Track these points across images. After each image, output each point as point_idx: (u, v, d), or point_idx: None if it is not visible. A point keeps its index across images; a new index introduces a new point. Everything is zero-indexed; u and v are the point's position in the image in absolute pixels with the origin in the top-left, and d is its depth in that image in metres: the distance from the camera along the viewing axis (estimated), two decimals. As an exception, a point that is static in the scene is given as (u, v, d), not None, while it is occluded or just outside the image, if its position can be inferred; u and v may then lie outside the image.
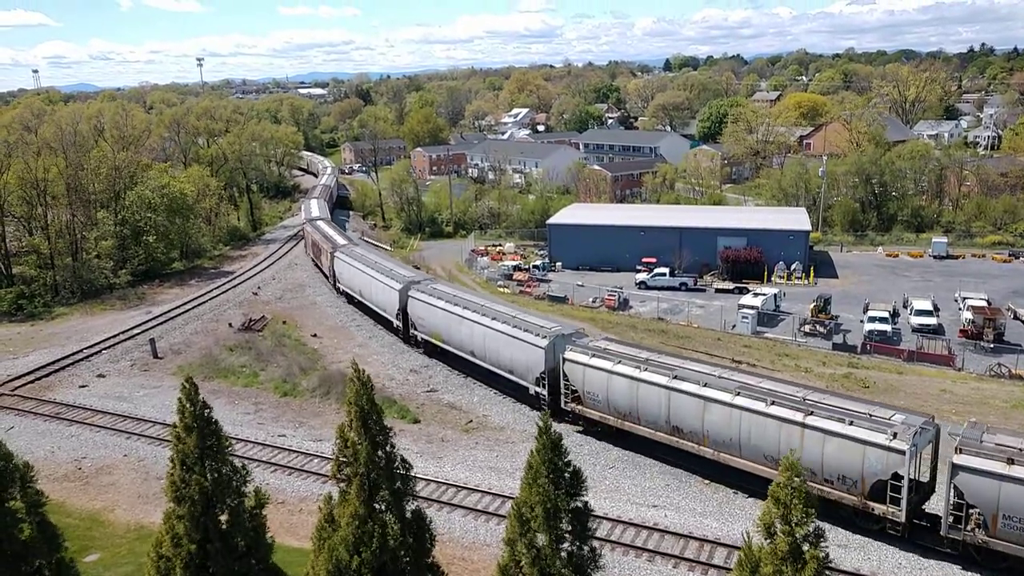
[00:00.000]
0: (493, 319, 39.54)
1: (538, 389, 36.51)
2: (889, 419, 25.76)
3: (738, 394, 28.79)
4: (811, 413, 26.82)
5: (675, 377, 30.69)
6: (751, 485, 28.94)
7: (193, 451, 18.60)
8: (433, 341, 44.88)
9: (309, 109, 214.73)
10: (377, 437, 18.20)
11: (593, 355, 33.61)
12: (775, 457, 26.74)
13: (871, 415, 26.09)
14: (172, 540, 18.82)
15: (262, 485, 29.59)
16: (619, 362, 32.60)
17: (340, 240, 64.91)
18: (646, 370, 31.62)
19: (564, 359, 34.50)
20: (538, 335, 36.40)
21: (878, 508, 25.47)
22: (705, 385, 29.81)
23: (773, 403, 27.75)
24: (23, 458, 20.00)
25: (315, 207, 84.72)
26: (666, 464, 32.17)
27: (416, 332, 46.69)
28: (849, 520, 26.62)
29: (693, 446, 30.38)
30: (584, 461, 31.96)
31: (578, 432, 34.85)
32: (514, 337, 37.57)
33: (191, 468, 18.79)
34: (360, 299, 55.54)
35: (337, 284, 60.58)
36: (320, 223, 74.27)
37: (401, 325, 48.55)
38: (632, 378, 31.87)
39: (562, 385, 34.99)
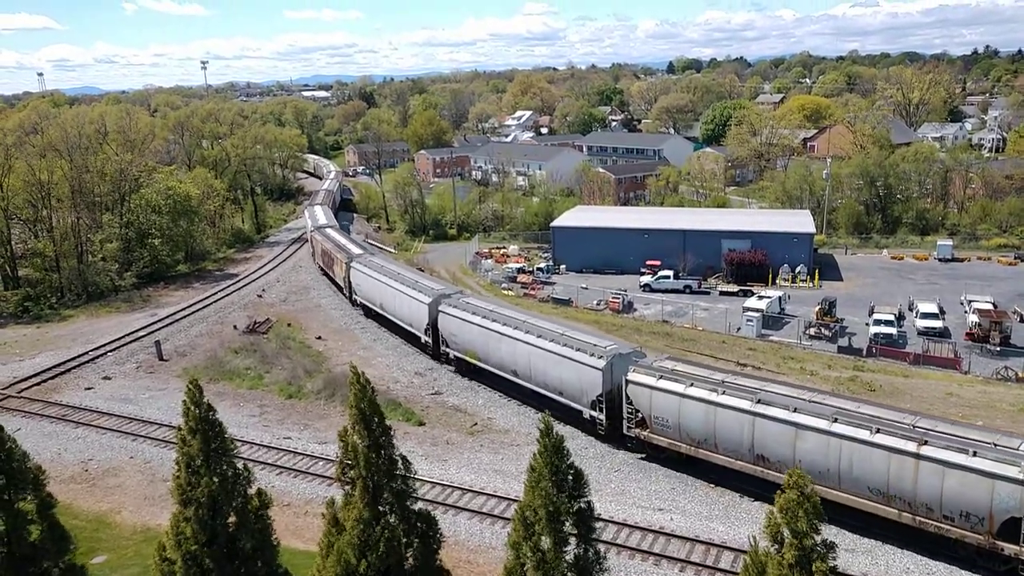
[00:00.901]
0: (539, 336, 36.80)
1: (594, 413, 33.78)
2: (1018, 448, 23.63)
3: (836, 420, 26.42)
4: (926, 442, 24.62)
5: (759, 401, 28.28)
6: (852, 520, 26.59)
7: (198, 454, 18.64)
8: (467, 359, 42.08)
9: (313, 112, 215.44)
10: (379, 439, 18.24)
11: (661, 377, 31.12)
12: (882, 490, 25.26)
13: (995, 444, 23.96)
14: (178, 542, 18.85)
15: (268, 487, 29.69)
16: (692, 384, 30.18)
17: (355, 249, 61.93)
18: (724, 393, 29.21)
19: (627, 381, 32.10)
20: (593, 355, 33.67)
21: (1009, 548, 23.34)
22: (795, 410, 27.38)
23: (879, 431, 25.54)
24: (37, 464, 20.07)
25: (321, 214, 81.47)
26: (671, 468, 32.13)
27: (448, 349, 43.62)
28: (969, 560, 24.53)
29: (781, 476, 27.88)
30: (589, 464, 31.94)
31: (640, 459, 32.57)
32: (566, 357, 34.80)
33: (197, 471, 18.83)
34: (380, 312, 52.48)
35: (353, 296, 57.50)
36: (330, 231, 71.41)
37: (430, 341, 45.48)
38: (709, 402, 29.39)
39: (624, 409, 32.54)
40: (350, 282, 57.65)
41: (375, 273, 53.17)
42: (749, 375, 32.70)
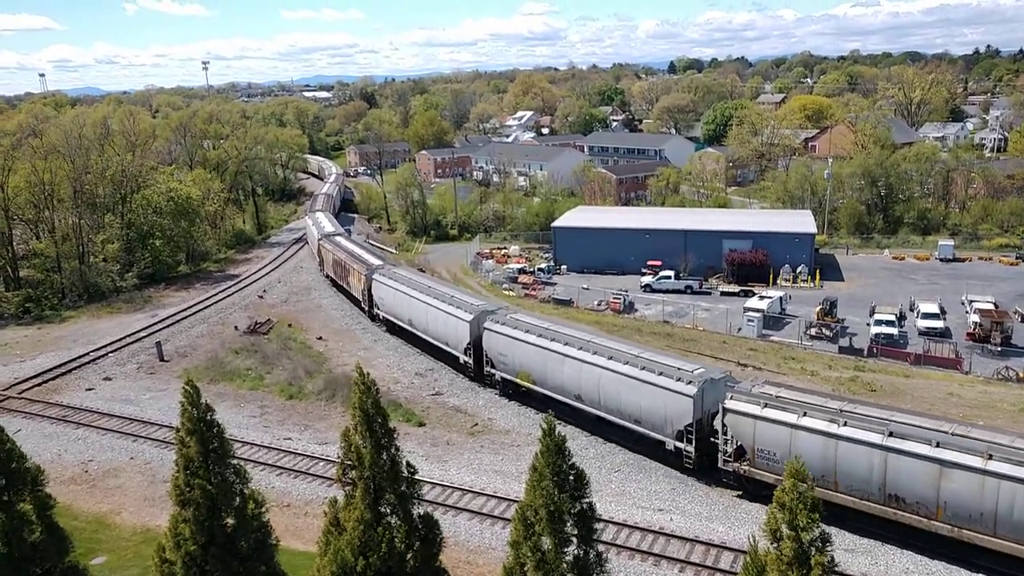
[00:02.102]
0: (611, 358, 33.45)
1: (680, 444, 30.76)
2: None
3: (991, 457, 23.70)
4: None
5: (892, 434, 25.49)
6: (1009, 569, 24.24)
7: (196, 455, 18.64)
8: (518, 382, 38.51)
9: (314, 112, 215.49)
10: (382, 440, 18.23)
11: (766, 405, 28.07)
12: None
13: None
14: (177, 544, 18.86)
15: (268, 488, 29.81)
16: (805, 414, 27.13)
17: (373, 260, 57.51)
18: (847, 424, 26.31)
19: (725, 409, 29.05)
20: (680, 379, 30.70)
21: None
22: (938, 445, 24.61)
23: None
24: (36, 464, 20.10)
25: (327, 221, 77.02)
26: (672, 468, 32.11)
27: (493, 370, 40.04)
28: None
29: (920, 520, 25.06)
30: (590, 464, 31.90)
31: (737, 497, 29.65)
32: (646, 382, 31.54)
33: (195, 472, 18.83)
34: (410, 329, 48.37)
35: (375, 311, 53.16)
36: (341, 240, 67.48)
37: (471, 362, 41.71)
38: (828, 434, 26.35)
39: (721, 441, 29.63)
40: (371, 296, 53.37)
41: (402, 287, 49.01)
42: (869, 403, 29.36)
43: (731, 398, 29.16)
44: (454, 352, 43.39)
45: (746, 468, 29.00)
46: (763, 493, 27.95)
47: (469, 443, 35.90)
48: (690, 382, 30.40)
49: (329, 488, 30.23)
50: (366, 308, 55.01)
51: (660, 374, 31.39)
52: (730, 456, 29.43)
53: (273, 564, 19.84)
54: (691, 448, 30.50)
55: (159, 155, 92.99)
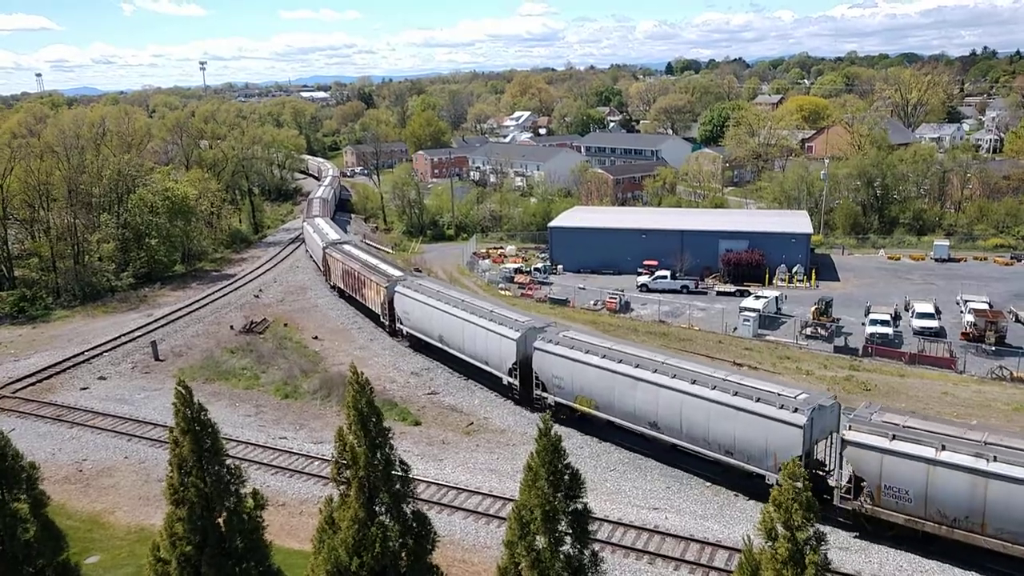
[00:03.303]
0: (694, 382, 30.47)
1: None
2: None
3: None
4: None
5: None
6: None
7: (190, 455, 18.61)
8: (577, 407, 35.11)
9: (311, 112, 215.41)
10: (376, 440, 18.22)
11: (895, 437, 25.27)
12: None
13: None
14: (171, 543, 18.82)
15: (263, 487, 29.66)
16: (944, 447, 24.50)
17: (392, 271, 53.88)
18: (997, 460, 23.61)
19: (845, 441, 26.11)
20: (784, 407, 27.59)
21: None
22: None
23: None
24: (30, 460, 20.06)
25: (328, 227, 73.29)
26: (667, 467, 32.13)
27: (545, 394, 36.50)
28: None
29: None
30: (585, 463, 31.94)
31: (855, 538, 26.69)
32: (741, 410, 28.59)
33: (189, 472, 18.80)
34: (440, 347, 44.72)
35: (398, 326, 49.20)
36: (349, 248, 63.19)
37: (516, 383, 38.27)
38: (976, 471, 23.84)
39: (837, 477, 27.14)
40: (393, 310, 49.45)
41: (431, 300, 45.07)
42: (1013, 434, 26.73)
43: (851, 428, 26.27)
44: (495, 372, 39.74)
45: (869, 507, 25.93)
46: (887, 534, 25.96)
47: (465, 442, 35.89)
48: (796, 410, 27.29)
49: (324, 487, 30.21)
50: (387, 323, 51.13)
51: (758, 400, 28.34)
52: (847, 493, 26.48)
53: (267, 564, 19.82)
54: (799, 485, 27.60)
55: (155, 155, 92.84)
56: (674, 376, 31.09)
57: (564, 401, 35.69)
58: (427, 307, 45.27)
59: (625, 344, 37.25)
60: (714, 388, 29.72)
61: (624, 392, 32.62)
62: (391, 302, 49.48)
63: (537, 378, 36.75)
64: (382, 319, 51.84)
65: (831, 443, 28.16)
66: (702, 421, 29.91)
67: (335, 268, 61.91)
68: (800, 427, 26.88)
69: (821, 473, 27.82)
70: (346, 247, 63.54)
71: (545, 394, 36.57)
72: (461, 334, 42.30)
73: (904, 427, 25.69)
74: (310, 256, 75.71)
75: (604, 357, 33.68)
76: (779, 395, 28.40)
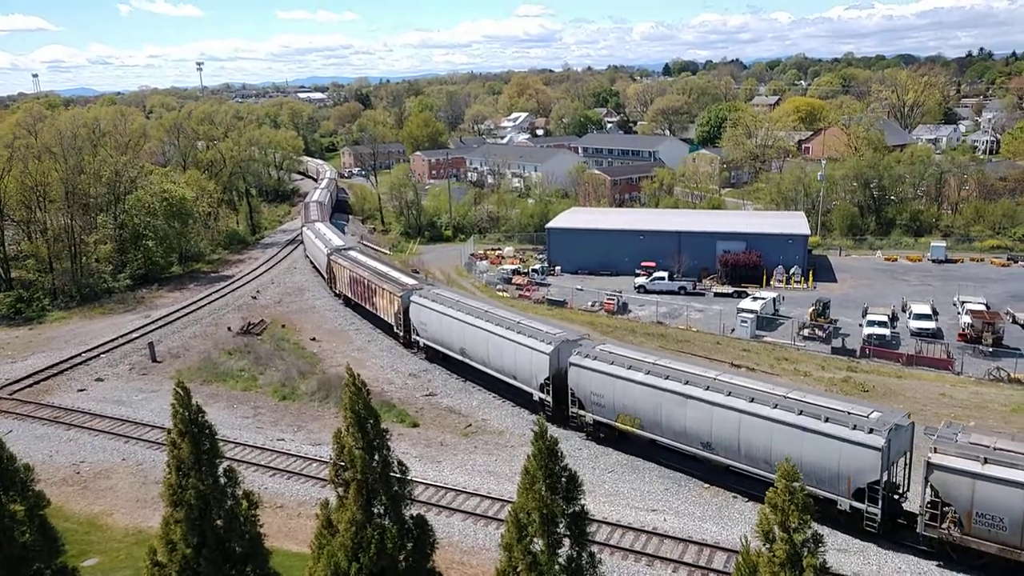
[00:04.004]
0: (752, 400, 28.57)
1: (859, 505, 26.11)
2: None
3: None
4: None
5: None
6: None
7: (188, 457, 18.60)
8: (619, 426, 33.23)
9: (309, 113, 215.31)
10: (374, 442, 18.21)
11: (987, 460, 23.65)
12: None
13: None
14: (168, 545, 18.80)
15: (261, 489, 29.71)
16: None
17: (406, 279, 51.94)
18: None
19: (931, 465, 24.32)
20: (856, 427, 25.95)
21: None
22: None
23: None
24: (25, 462, 20.01)
25: (331, 233, 71.18)
26: (665, 468, 32.15)
27: (583, 412, 34.53)
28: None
29: None
30: (583, 465, 31.96)
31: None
32: (809, 430, 26.79)
33: (187, 474, 18.78)
34: (461, 359, 42.94)
35: (415, 337, 47.23)
36: (356, 255, 60.94)
37: (549, 400, 36.13)
38: None
39: (921, 504, 25.08)
40: (409, 320, 47.47)
41: (451, 311, 43.10)
42: None
43: (936, 451, 24.51)
44: (524, 388, 37.83)
45: (957, 535, 24.17)
46: (975, 563, 24.32)
47: (463, 444, 35.88)
48: (872, 430, 25.62)
49: (323, 489, 30.17)
50: (401, 334, 48.94)
51: (827, 420, 26.55)
52: (932, 519, 24.69)
53: (266, 566, 19.79)
54: (876, 509, 25.69)
55: (152, 156, 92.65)
56: (730, 394, 29.24)
57: (604, 420, 33.71)
58: (447, 318, 43.23)
59: (669, 358, 34.91)
60: (776, 407, 27.92)
61: (673, 410, 30.84)
62: (406, 312, 47.58)
63: (573, 395, 34.87)
64: (396, 330, 49.74)
65: (905, 464, 26.84)
66: (763, 442, 28.10)
67: (341, 275, 59.71)
68: (878, 449, 25.31)
69: (895, 497, 26.50)
70: (352, 253, 61.68)
71: (582, 412, 34.60)
72: (486, 347, 40.28)
73: (995, 449, 24.20)
74: (311, 263, 74.01)
75: (649, 373, 31.87)
76: (849, 414, 26.60)
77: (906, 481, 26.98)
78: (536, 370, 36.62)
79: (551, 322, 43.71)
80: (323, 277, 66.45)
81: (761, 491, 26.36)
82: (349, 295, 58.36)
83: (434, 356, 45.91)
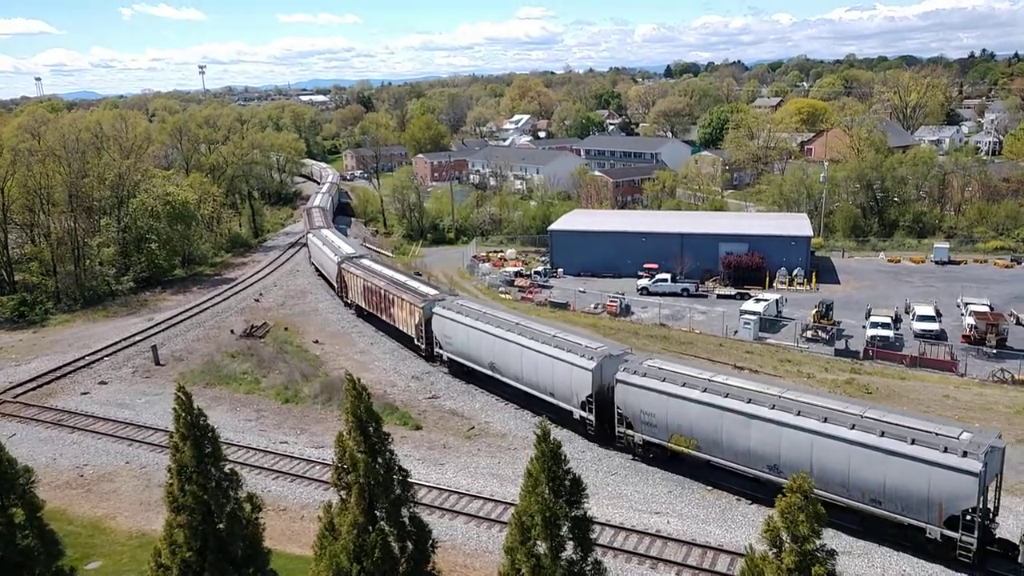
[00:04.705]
0: (826, 420, 26.72)
1: (953, 533, 24.45)
2: None
3: None
4: None
5: None
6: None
7: (190, 460, 18.62)
8: (673, 447, 31.45)
9: (311, 116, 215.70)
10: (376, 445, 18.21)
11: None
12: None
13: None
14: (171, 548, 18.81)
15: (264, 492, 29.74)
16: None
17: (426, 289, 49.58)
18: None
19: None
20: (948, 449, 24.37)
21: None
22: None
23: None
24: (24, 465, 20.03)
25: (339, 239, 68.99)
26: (668, 471, 32.09)
27: (631, 432, 32.82)
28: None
29: None
30: (587, 468, 31.94)
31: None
32: (895, 453, 25.14)
33: (189, 477, 18.80)
34: (490, 374, 40.73)
35: (437, 350, 45.16)
36: (369, 263, 58.53)
37: (592, 419, 34.29)
38: None
39: None
40: (431, 332, 45.36)
41: (479, 323, 40.95)
42: None
43: None
44: (563, 406, 35.72)
45: None
46: None
47: (466, 446, 35.85)
48: (966, 453, 23.82)
49: (325, 492, 30.17)
50: (422, 347, 46.69)
51: (914, 442, 24.84)
52: None
53: (267, 569, 19.79)
54: (972, 538, 24.05)
55: (155, 159, 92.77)
56: (799, 413, 27.45)
57: (656, 440, 31.93)
58: (474, 331, 41.12)
59: (727, 375, 33.06)
60: (853, 427, 26.13)
61: (735, 431, 28.98)
62: (427, 324, 45.39)
63: (620, 414, 32.96)
64: (416, 342, 47.43)
65: (996, 488, 25.23)
66: (840, 466, 26.29)
67: (354, 285, 57.32)
68: (975, 474, 23.66)
69: (987, 523, 24.78)
70: (365, 262, 59.24)
71: (630, 431, 32.75)
72: (519, 362, 38.12)
73: None
74: (317, 270, 71.83)
75: (707, 391, 30.08)
76: (937, 435, 24.92)
77: (996, 506, 25.36)
78: (577, 387, 34.61)
79: (590, 335, 41.59)
80: (331, 286, 64.38)
81: (836, 516, 25.67)
82: (363, 305, 55.91)
83: (458, 370, 43.89)
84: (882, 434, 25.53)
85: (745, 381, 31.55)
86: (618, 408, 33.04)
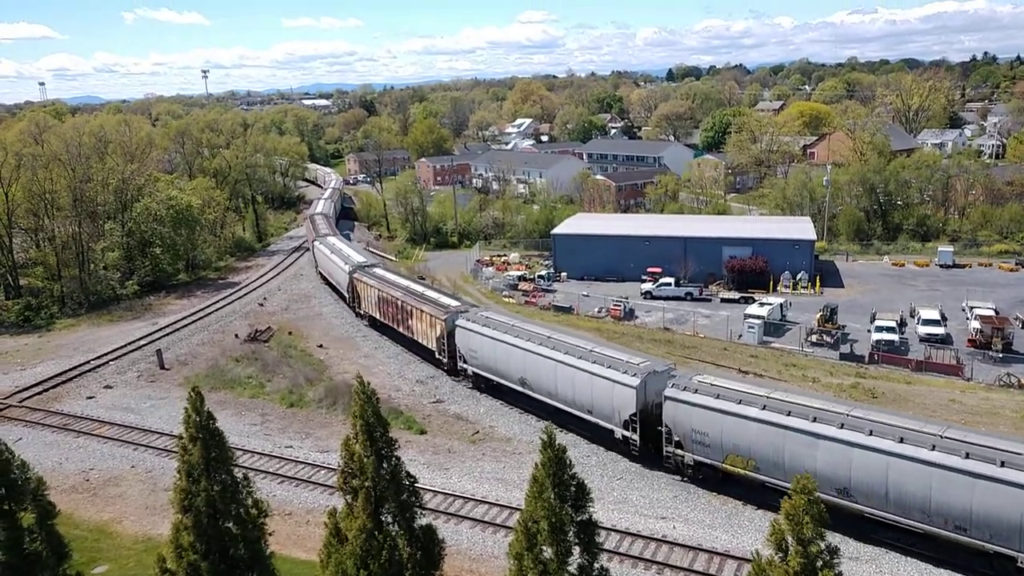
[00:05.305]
0: (902, 441, 25.33)
1: None
2: None
3: None
4: None
5: None
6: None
7: (199, 462, 18.65)
8: (729, 469, 29.87)
9: (314, 120, 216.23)
10: (383, 450, 18.22)
11: None
12: None
13: None
14: (176, 552, 18.84)
15: (269, 496, 29.74)
16: None
17: (447, 300, 47.86)
18: None
19: None
20: None
21: None
22: None
23: None
24: (37, 474, 20.08)
25: (347, 248, 66.89)
26: (673, 476, 32.04)
27: (682, 452, 31.14)
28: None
29: None
30: (591, 472, 31.91)
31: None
32: (982, 476, 23.66)
33: (197, 479, 18.84)
34: (520, 390, 39.09)
35: (461, 364, 43.41)
36: (383, 273, 57.05)
37: (636, 439, 32.64)
38: None
39: None
40: (453, 346, 43.77)
41: (508, 337, 39.24)
42: None
43: None
44: (604, 424, 34.06)
45: None
46: None
47: (471, 451, 35.83)
48: None
49: (331, 496, 30.17)
50: (444, 361, 44.95)
51: (1003, 465, 23.44)
52: None
53: (270, 573, 19.78)
54: None
55: (159, 163, 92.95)
56: (871, 433, 25.97)
57: (709, 460, 30.27)
58: (503, 344, 39.42)
59: (786, 391, 31.49)
60: (934, 448, 24.63)
61: (798, 451, 27.38)
62: (450, 336, 43.80)
63: (669, 433, 31.42)
64: (437, 356, 45.59)
65: None
66: (919, 490, 24.81)
67: (367, 295, 55.27)
68: None
69: None
70: (379, 271, 57.71)
71: (680, 452, 31.13)
72: (553, 378, 36.39)
73: None
74: (323, 279, 69.95)
75: (766, 408, 28.50)
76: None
77: None
78: (619, 405, 32.88)
79: (631, 350, 39.89)
80: (341, 296, 62.50)
81: (916, 543, 25.47)
82: (377, 316, 53.98)
83: (483, 385, 42.38)
84: (967, 456, 24.13)
85: (807, 398, 29.94)
86: (667, 427, 31.44)
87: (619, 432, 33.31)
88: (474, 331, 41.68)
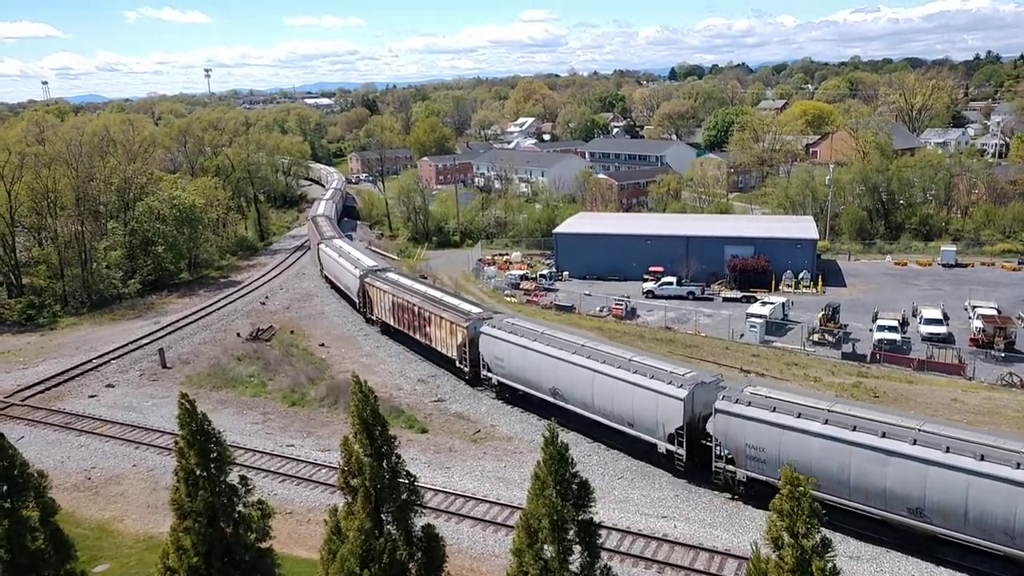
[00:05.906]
0: (983, 458, 24.05)
1: None
2: None
3: None
4: None
5: None
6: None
7: (196, 466, 18.66)
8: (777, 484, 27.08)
9: (316, 119, 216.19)
10: (382, 449, 18.23)
11: None
12: None
13: None
14: (178, 553, 18.87)
15: (271, 495, 29.82)
16: None
17: (468, 307, 46.17)
18: None
19: None
20: None
21: None
22: None
23: None
24: (39, 469, 20.12)
25: (356, 251, 64.83)
26: (675, 475, 32.02)
27: (734, 468, 29.69)
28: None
29: None
30: (593, 471, 31.90)
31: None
32: None
33: (195, 484, 18.85)
34: (553, 401, 37.10)
35: (485, 373, 41.58)
36: (397, 277, 54.81)
37: (682, 453, 31.08)
38: None
39: None
40: (476, 354, 42.13)
41: (539, 345, 37.51)
42: None
43: None
44: (646, 438, 32.48)
45: None
46: None
47: (472, 449, 35.86)
48: None
49: (332, 495, 30.21)
50: (466, 369, 43.18)
51: None
52: None
53: (273, 573, 19.80)
54: None
55: (161, 163, 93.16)
56: (948, 449, 24.62)
57: (764, 477, 28.55)
58: (532, 352, 37.61)
59: (844, 403, 29.78)
60: (1020, 466, 23.32)
61: (867, 469, 25.96)
62: (471, 344, 42.22)
63: (720, 448, 30.08)
64: (458, 364, 43.74)
65: None
66: (1004, 511, 23.52)
67: (380, 300, 53.08)
68: None
69: None
70: (392, 275, 55.43)
71: (731, 467, 29.71)
72: (589, 388, 34.66)
73: None
74: (329, 283, 67.95)
75: (828, 423, 26.94)
76: None
77: None
78: (664, 418, 31.28)
79: (674, 360, 37.74)
80: (351, 301, 60.30)
81: (997, 568, 24.35)
82: (391, 323, 51.92)
83: (509, 395, 40.56)
84: None
85: (873, 412, 28.20)
86: (717, 441, 30.03)
87: (663, 446, 31.69)
88: (501, 338, 39.79)
